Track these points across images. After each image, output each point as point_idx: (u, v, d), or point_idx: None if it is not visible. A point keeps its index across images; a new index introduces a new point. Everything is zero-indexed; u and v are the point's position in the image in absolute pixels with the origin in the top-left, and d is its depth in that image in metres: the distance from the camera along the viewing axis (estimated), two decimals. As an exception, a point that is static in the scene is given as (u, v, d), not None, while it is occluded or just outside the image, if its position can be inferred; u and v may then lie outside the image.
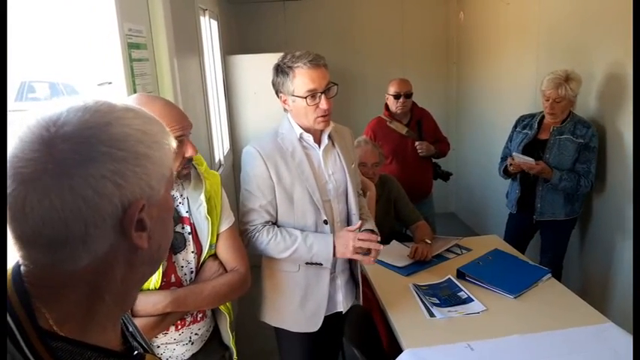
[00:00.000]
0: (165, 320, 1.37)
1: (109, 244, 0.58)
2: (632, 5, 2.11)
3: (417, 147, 3.36)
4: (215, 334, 1.61)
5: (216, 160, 3.47)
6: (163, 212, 0.64)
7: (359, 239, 1.75)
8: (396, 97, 3.36)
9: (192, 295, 1.40)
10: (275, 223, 1.83)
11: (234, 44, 4.63)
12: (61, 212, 0.53)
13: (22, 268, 0.59)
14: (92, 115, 0.57)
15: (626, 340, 1.81)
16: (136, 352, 0.70)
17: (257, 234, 1.78)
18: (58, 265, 0.57)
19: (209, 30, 3.52)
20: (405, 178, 3.22)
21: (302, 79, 1.70)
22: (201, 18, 3.23)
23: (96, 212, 0.55)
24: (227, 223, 1.54)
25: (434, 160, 3.63)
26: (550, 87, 2.80)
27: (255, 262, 1.98)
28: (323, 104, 1.72)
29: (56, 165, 0.53)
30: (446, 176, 3.68)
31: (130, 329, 0.75)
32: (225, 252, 1.52)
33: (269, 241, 1.76)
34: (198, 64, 3.03)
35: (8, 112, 0.66)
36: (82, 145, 0.55)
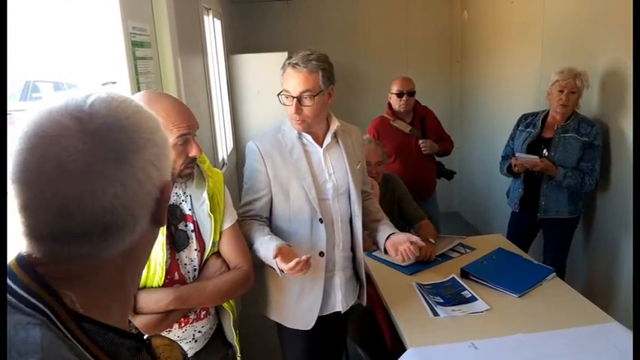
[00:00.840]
0: (168, 318, 1.37)
1: (146, 224, 0.61)
2: (632, 5, 2.10)
3: (421, 145, 3.36)
4: (218, 332, 1.61)
5: (220, 158, 3.48)
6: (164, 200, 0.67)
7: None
8: (399, 95, 3.35)
9: (196, 292, 1.40)
10: (269, 217, 1.83)
11: (238, 43, 4.63)
12: (123, 199, 0.57)
13: (37, 267, 0.58)
14: (121, 105, 0.60)
15: (630, 340, 1.80)
16: (145, 336, 0.72)
17: (245, 225, 1.76)
18: (94, 254, 0.58)
19: (213, 29, 3.52)
20: (408, 177, 3.21)
21: (284, 78, 1.73)
22: (205, 17, 3.23)
23: (147, 195, 0.60)
24: (230, 220, 1.54)
25: (437, 159, 3.62)
26: (567, 77, 2.80)
27: (259, 262, 1.99)
28: (291, 109, 1.72)
29: (116, 154, 0.56)
30: (449, 175, 3.67)
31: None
32: (228, 249, 1.52)
33: (245, 232, 1.72)
34: (202, 63, 3.03)
35: (13, 112, 0.67)
36: (133, 134, 0.59)
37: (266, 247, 1.66)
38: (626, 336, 1.83)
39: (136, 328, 1.25)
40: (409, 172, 3.33)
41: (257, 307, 2.00)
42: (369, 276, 2.36)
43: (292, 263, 1.54)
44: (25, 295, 0.56)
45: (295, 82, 1.69)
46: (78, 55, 1.56)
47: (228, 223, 1.53)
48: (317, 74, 1.70)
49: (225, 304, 1.55)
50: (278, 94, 1.75)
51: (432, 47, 5.22)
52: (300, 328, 1.89)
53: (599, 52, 2.98)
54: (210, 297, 1.43)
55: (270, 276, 1.92)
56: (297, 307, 1.87)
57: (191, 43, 2.73)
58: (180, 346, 0.78)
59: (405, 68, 5.18)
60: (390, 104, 3.45)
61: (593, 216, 3.12)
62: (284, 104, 1.74)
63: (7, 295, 0.56)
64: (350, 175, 1.87)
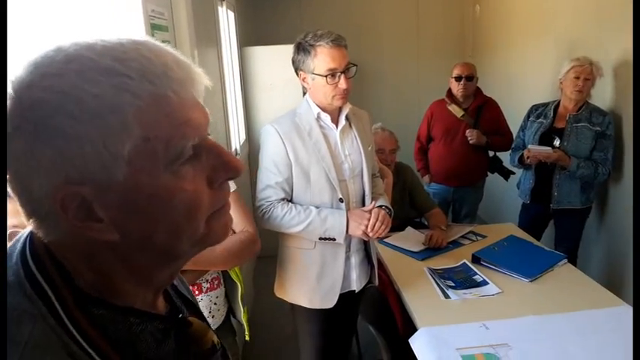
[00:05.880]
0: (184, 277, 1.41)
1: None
2: (632, 5, 2.10)
3: (467, 134, 3.33)
4: (229, 316, 1.66)
5: (233, 149, 3.52)
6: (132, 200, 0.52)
7: (369, 220, 1.79)
8: (458, 79, 3.37)
9: (206, 251, 1.42)
10: (290, 200, 1.87)
11: (251, 36, 4.67)
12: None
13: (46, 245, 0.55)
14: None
15: (643, 322, 1.81)
16: (180, 315, 0.67)
17: (272, 209, 1.82)
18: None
19: (226, 21, 3.56)
20: (449, 161, 3.27)
21: (323, 58, 1.73)
22: (220, 9, 3.27)
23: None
24: (232, 186, 1.57)
25: (497, 154, 3.56)
26: (584, 63, 2.82)
27: (270, 252, 2.04)
28: (342, 84, 1.75)
29: None
30: (505, 174, 3.54)
31: (180, 289, 0.75)
32: (232, 214, 1.55)
33: (284, 216, 1.80)
34: (216, 54, 3.08)
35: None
36: None
37: (335, 213, 1.81)
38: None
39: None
40: (451, 157, 3.39)
41: (269, 295, 2.04)
42: (380, 262, 2.38)
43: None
44: (36, 272, 0.53)
45: (339, 56, 1.74)
46: (98, 35, 1.59)
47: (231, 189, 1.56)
48: (347, 49, 1.79)
49: (233, 276, 1.59)
50: (325, 76, 1.74)
51: (444, 42, 5.22)
52: (320, 307, 1.93)
53: (611, 43, 2.97)
54: (220, 257, 1.45)
55: (285, 257, 1.96)
56: (319, 287, 1.91)
57: (206, 34, 2.77)
58: (216, 333, 0.72)
59: (417, 63, 5.21)
60: (450, 88, 3.47)
61: (606, 206, 3.12)
62: (327, 84, 1.75)
63: (20, 269, 0.53)
64: (363, 156, 1.90)
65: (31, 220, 0.53)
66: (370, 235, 1.82)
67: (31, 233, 0.56)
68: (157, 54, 0.52)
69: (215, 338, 0.69)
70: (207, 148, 0.56)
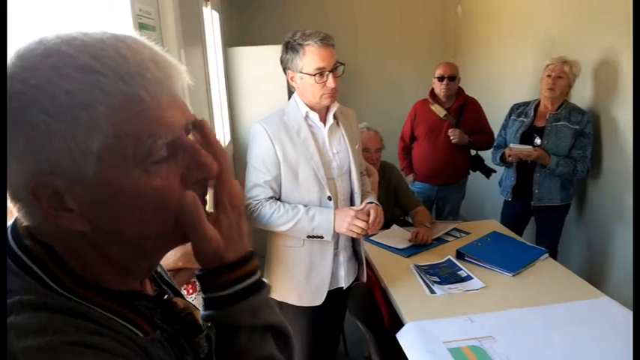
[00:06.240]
0: (177, 276, 1.41)
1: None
2: (632, 5, 2.15)
3: (449, 133, 3.38)
4: None
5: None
6: (101, 195, 0.53)
7: (357, 217, 1.81)
8: (440, 79, 3.43)
9: None
10: (279, 198, 1.88)
11: (235, 36, 4.68)
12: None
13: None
14: None
15: (622, 312, 1.87)
16: (166, 296, 0.70)
17: (260, 207, 1.83)
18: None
19: (211, 21, 3.57)
20: (432, 160, 3.31)
21: (312, 57, 1.75)
22: (204, 9, 3.27)
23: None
24: None
25: (478, 153, 3.63)
26: (554, 61, 2.90)
27: (260, 252, 2.06)
28: (330, 83, 1.77)
29: None
30: (487, 172, 3.61)
31: (164, 277, 0.77)
32: None
33: (272, 214, 1.82)
34: (201, 55, 3.08)
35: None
36: None
37: (323, 211, 1.82)
38: (617, 309, 1.91)
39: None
40: (434, 156, 3.44)
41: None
42: (367, 259, 2.41)
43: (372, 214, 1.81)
44: (17, 251, 0.55)
45: (328, 55, 1.76)
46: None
47: None
48: (334, 48, 1.81)
49: None
50: (314, 75, 1.76)
51: (427, 42, 5.28)
52: (309, 305, 1.95)
53: (592, 43, 3.05)
54: None
55: (273, 256, 1.98)
56: (307, 284, 1.93)
57: (192, 34, 2.78)
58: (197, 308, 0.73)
59: (400, 63, 5.26)
60: (433, 88, 3.52)
61: (585, 202, 3.20)
62: (316, 83, 1.77)
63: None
64: (351, 155, 1.92)
65: (15, 205, 0.55)
66: (369, 231, 1.84)
67: (16, 218, 0.58)
68: (136, 52, 0.53)
69: (201, 320, 0.70)
70: (184, 148, 0.57)
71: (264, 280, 0.66)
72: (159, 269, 0.76)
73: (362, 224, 1.80)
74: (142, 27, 1.72)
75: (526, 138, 3.01)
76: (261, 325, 0.63)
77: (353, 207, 1.89)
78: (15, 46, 0.53)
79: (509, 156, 2.97)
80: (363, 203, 1.90)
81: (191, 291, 1.52)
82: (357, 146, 1.99)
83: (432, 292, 2.10)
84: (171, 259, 1.38)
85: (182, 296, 0.77)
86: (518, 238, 2.67)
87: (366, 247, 2.49)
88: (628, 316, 1.85)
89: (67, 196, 0.52)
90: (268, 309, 0.65)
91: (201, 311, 0.66)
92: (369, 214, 1.83)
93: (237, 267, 0.62)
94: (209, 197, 0.64)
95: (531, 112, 3.05)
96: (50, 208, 0.52)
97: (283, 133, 1.82)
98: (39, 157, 0.50)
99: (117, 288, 0.59)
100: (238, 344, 0.62)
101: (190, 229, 0.57)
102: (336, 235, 1.92)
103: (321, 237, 1.85)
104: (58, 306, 0.52)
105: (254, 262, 0.65)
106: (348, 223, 1.81)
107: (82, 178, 0.51)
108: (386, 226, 2.74)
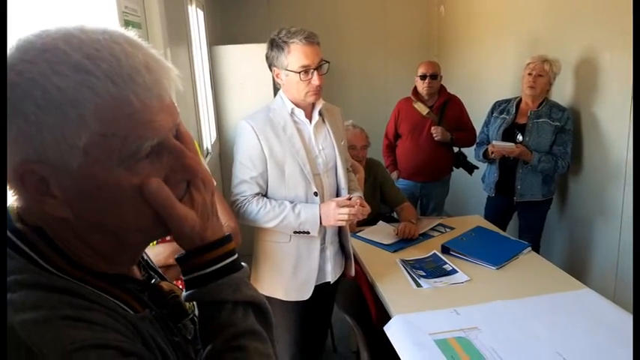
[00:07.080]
0: (168, 272, 1.42)
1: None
2: (632, 5, 2.20)
3: (432, 131, 3.43)
4: None
5: (204, 148, 3.52)
6: (84, 187, 0.55)
7: (339, 206, 1.83)
8: (422, 77, 3.47)
9: None
10: (265, 195, 1.90)
11: (219, 35, 4.67)
12: None
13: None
14: None
15: (603, 303, 1.93)
16: (153, 280, 0.74)
17: (247, 204, 1.85)
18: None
19: (196, 19, 3.56)
20: (416, 158, 3.35)
21: (297, 55, 1.77)
22: (189, 7, 3.27)
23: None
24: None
25: (461, 150, 3.68)
26: (535, 60, 2.96)
27: (248, 252, 2.07)
28: (315, 80, 1.79)
29: None
30: (469, 168, 3.65)
31: (150, 264, 0.80)
32: None
33: (258, 211, 1.83)
34: (187, 53, 3.08)
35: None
36: None
37: (309, 207, 1.84)
38: (599, 300, 1.96)
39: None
40: (418, 153, 3.48)
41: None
42: (354, 254, 2.44)
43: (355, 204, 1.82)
44: (9, 234, 0.58)
45: (313, 53, 1.78)
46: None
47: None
48: (320, 46, 1.83)
49: None
50: (298, 72, 1.77)
51: (410, 41, 5.33)
52: (296, 300, 1.97)
53: (571, 42, 3.12)
54: None
55: (260, 251, 2.00)
56: (294, 279, 1.95)
57: (177, 32, 2.77)
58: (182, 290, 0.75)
59: (384, 62, 5.30)
60: (415, 86, 3.56)
61: (566, 197, 3.27)
62: (301, 80, 1.78)
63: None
64: (337, 151, 1.95)
65: (10, 190, 0.57)
66: (358, 216, 1.84)
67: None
68: (129, 55, 0.55)
69: (187, 304, 0.73)
70: (169, 149, 0.59)
71: (243, 263, 0.70)
72: (145, 257, 0.79)
73: (346, 210, 1.82)
74: (128, 24, 1.72)
75: (508, 135, 3.06)
76: (242, 300, 0.66)
77: (334, 199, 1.91)
78: (13, 36, 0.54)
79: (492, 152, 3.02)
80: (347, 195, 1.92)
81: (181, 286, 1.52)
82: (342, 143, 2.02)
83: (418, 285, 2.13)
84: (161, 255, 1.39)
85: (167, 280, 0.80)
86: (501, 232, 2.72)
87: (353, 243, 2.51)
88: (608, 306, 1.90)
89: (52, 183, 0.54)
90: (247, 287, 0.68)
91: (184, 292, 0.68)
92: (350, 200, 1.85)
93: (217, 246, 0.65)
94: (218, 204, 0.68)
95: (513, 110, 3.11)
96: (37, 193, 0.55)
97: (269, 129, 1.84)
98: (28, 147, 0.52)
99: (105, 271, 0.62)
100: (221, 318, 0.64)
101: (162, 212, 0.59)
102: (323, 230, 1.94)
103: (308, 232, 1.87)
104: (52, 284, 0.55)
105: (232, 243, 0.68)
106: (332, 213, 1.83)
107: (68, 169, 0.53)
108: (372, 222, 2.77)
